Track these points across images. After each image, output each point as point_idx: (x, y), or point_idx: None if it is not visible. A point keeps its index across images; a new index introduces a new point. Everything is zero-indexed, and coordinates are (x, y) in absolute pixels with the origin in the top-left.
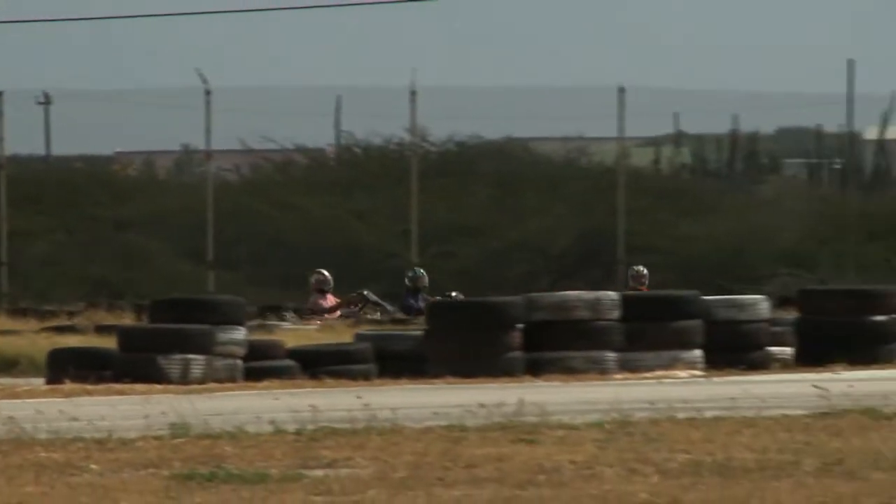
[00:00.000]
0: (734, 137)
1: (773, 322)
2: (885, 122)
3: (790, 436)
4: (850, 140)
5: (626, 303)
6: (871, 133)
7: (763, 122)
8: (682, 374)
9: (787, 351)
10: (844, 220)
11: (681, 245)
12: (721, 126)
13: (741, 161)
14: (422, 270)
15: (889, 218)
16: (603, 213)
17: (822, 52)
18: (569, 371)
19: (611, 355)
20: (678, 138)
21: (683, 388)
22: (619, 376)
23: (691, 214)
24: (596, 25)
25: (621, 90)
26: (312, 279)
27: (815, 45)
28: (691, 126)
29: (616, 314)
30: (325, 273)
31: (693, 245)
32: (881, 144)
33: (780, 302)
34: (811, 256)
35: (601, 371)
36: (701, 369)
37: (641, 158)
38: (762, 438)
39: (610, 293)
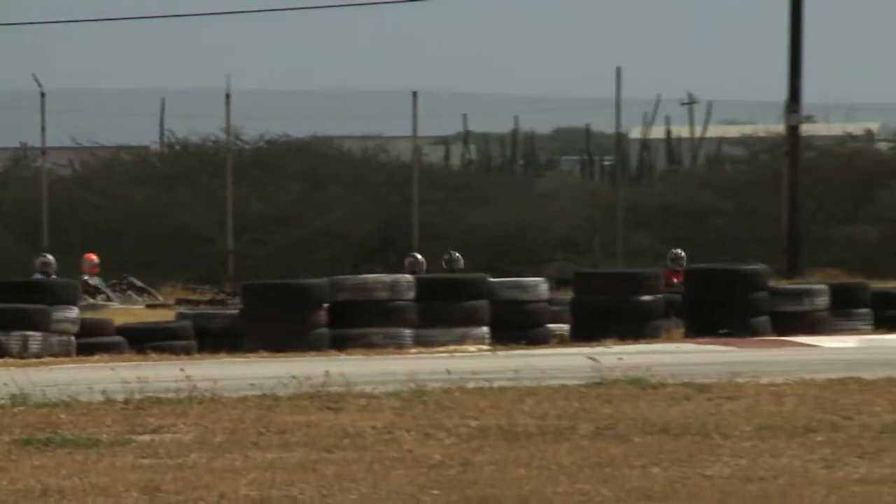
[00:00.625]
0: (515, 137)
1: (551, 302)
2: (648, 124)
3: (568, 403)
4: (618, 139)
5: (421, 285)
6: (636, 133)
7: (541, 123)
8: (472, 348)
9: (565, 327)
10: (614, 212)
11: (469, 233)
12: (504, 126)
13: (522, 158)
14: (457, 254)
15: (652, 209)
16: (399, 205)
17: (592, 59)
18: (370, 346)
19: (407, 332)
20: (466, 137)
21: (472, 361)
22: (414, 350)
23: (478, 206)
24: (394, 34)
25: (415, 94)
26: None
27: (586, 49)
28: (478, 126)
29: (411, 295)
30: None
31: (480, 233)
32: (645, 143)
33: (558, 284)
34: (585, 243)
35: (398, 346)
36: (488, 344)
37: (434, 155)
38: (543, 406)
39: (406, 276)
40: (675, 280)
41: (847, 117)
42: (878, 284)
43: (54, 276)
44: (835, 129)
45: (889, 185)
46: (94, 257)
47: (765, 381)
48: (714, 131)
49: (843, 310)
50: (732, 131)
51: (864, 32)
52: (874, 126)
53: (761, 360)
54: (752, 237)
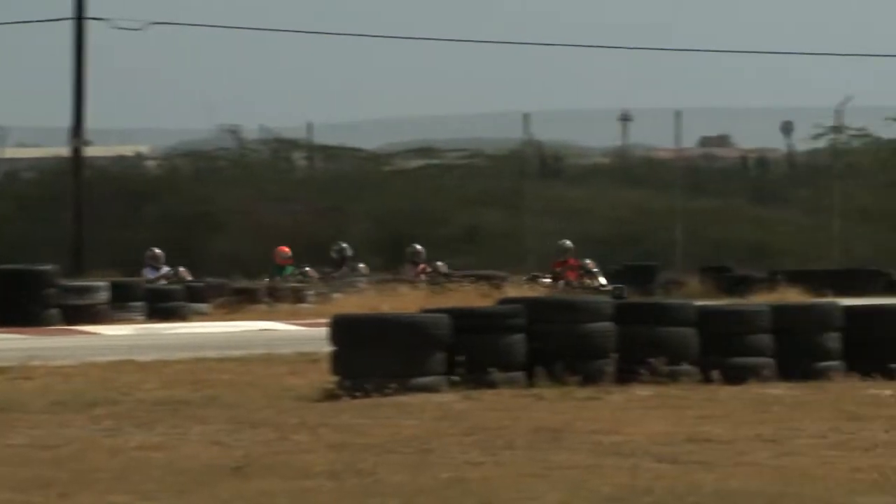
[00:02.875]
0: None
1: None
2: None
3: None
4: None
5: None
6: None
7: None
8: None
9: None
10: None
11: None
12: None
13: None
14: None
15: None
16: None
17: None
18: None
19: None
20: None
21: None
22: None
23: None
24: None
25: None
26: None
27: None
28: None
29: None
30: None
31: None
32: None
33: None
34: None
35: None
36: None
37: None
38: None
39: None
40: None
41: (122, 140)
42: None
43: (166, 269)
44: (112, 150)
45: (157, 197)
46: (286, 249)
47: (56, 364)
48: (12, 153)
49: (122, 303)
50: (25, 153)
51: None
52: (145, 148)
53: (52, 346)
54: (44, 243)
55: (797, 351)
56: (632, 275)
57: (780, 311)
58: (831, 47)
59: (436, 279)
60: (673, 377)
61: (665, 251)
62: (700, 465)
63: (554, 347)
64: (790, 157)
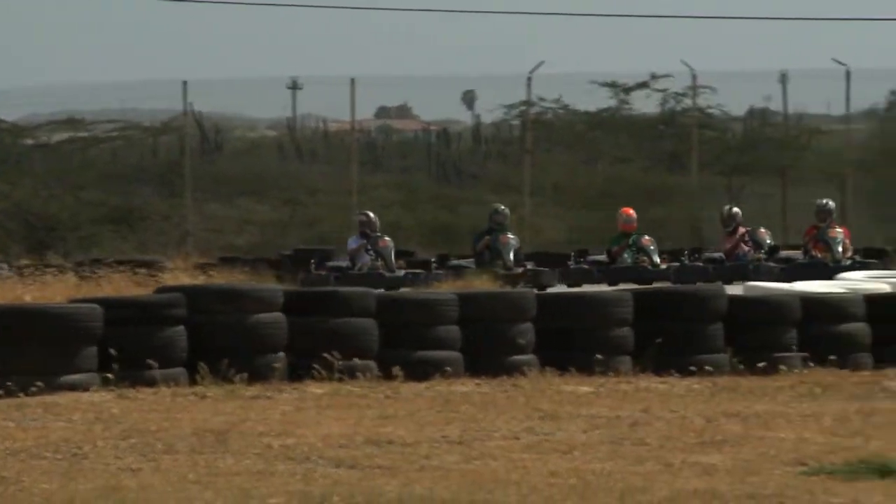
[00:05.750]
0: None
1: None
2: None
3: None
4: None
5: None
6: None
7: None
8: None
9: None
10: None
11: None
12: None
13: None
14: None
15: None
16: None
17: None
18: None
19: None
20: None
21: None
22: None
23: None
24: None
25: None
26: None
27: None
28: None
29: None
30: None
31: None
32: None
33: None
34: None
35: None
36: None
37: None
38: None
39: None
40: None
41: None
42: None
43: (380, 235)
44: None
45: None
46: None
47: None
48: None
49: None
50: None
51: None
52: None
53: None
54: None
55: (487, 343)
56: (304, 260)
57: (468, 299)
58: (519, 4)
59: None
60: (350, 373)
61: (341, 233)
62: (381, 469)
63: (218, 341)
64: (476, 131)
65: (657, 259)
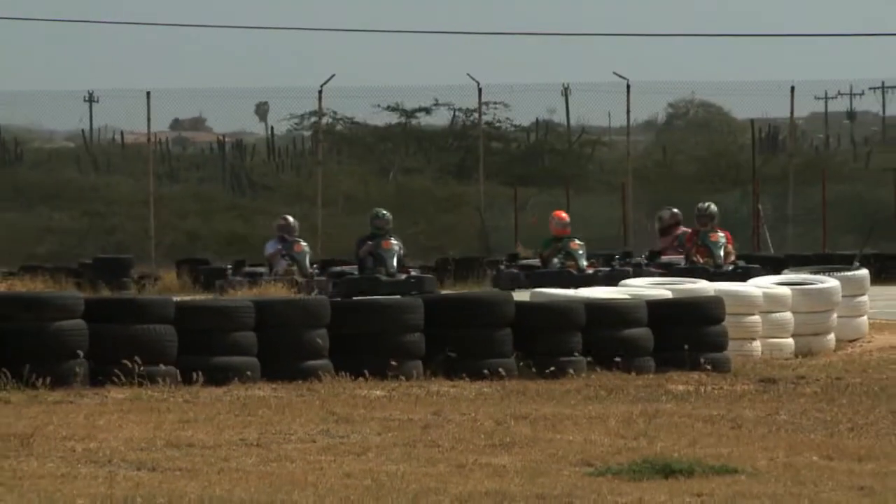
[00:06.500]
0: None
1: None
2: None
3: None
4: None
5: None
6: None
7: None
8: None
9: None
10: None
11: None
12: None
13: None
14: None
15: None
16: None
17: None
18: None
19: None
20: None
21: None
22: None
23: None
24: None
25: None
26: None
27: None
28: None
29: None
30: None
31: None
32: None
33: None
34: None
35: None
36: None
37: None
38: None
39: None
40: None
41: None
42: None
43: (297, 240)
44: None
45: None
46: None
47: None
48: None
49: None
50: None
51: None
52: None
53: None
54: None
55: (282, 349)
56: (103, 269)
57: (263, 306)
58: (315, 21)
59: None
60: (150, 378)
61: (138, 243)
62: (182, 472)
63: (20, 347)
64: (269, 142)
65: (584, 263)
